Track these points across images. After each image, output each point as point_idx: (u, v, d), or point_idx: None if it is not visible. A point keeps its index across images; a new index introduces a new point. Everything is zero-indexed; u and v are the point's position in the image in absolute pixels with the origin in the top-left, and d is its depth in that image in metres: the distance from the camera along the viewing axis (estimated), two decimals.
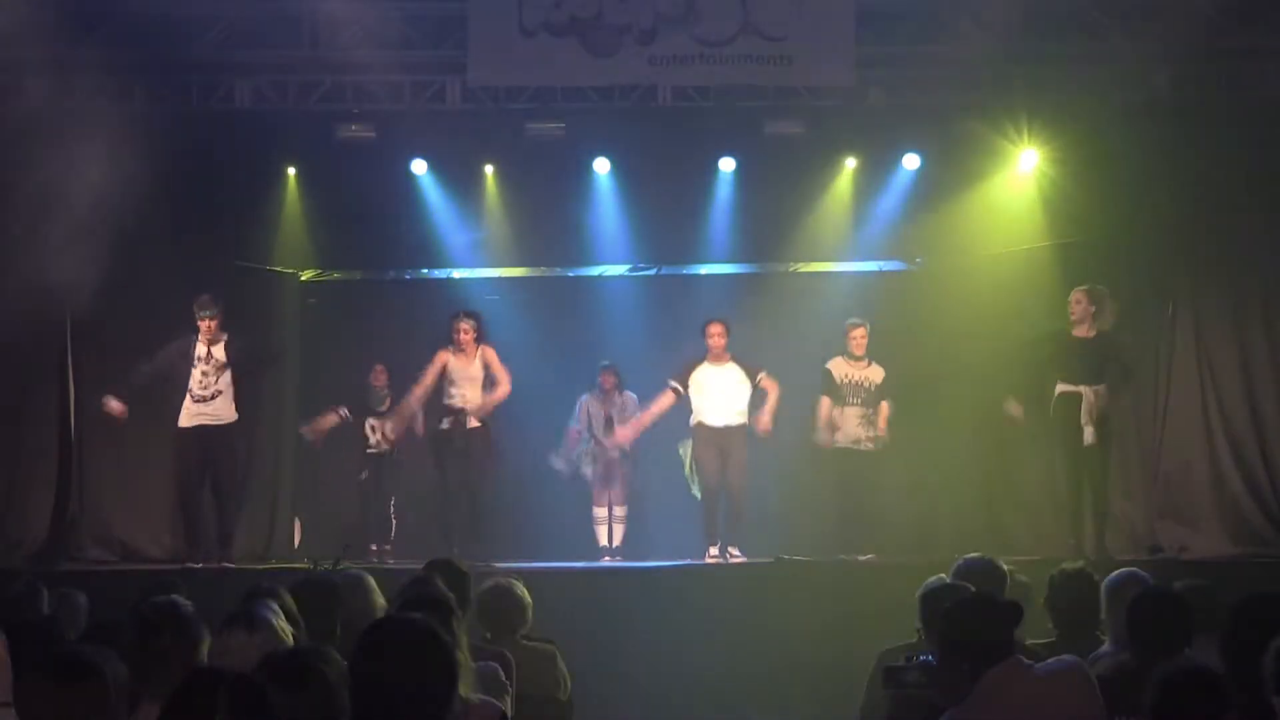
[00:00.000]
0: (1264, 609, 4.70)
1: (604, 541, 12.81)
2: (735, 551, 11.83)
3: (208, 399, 11.63)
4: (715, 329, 12.13)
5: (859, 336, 12.35)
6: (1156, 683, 4.21)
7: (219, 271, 12.60)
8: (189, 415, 11.62)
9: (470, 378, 11.93)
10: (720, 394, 12.07)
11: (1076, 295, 11.65)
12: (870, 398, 12.35)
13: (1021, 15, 11.95)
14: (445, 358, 11.95)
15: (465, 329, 11.94)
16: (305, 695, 3.64)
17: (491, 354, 12.02)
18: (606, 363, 13.04)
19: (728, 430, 12.04)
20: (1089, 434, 11.53)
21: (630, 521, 12.96)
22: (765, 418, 11.97)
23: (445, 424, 11.91)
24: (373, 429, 13.12)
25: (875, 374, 12.42)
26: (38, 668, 3.91)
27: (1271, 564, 10.93)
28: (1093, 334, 11.66)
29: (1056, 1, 11.98)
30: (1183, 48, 11.88)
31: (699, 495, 12.30)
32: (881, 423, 12.34)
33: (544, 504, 13.10)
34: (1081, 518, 11.70)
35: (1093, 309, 11.62)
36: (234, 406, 11.69)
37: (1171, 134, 12.24)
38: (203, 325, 11.63)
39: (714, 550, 11.90)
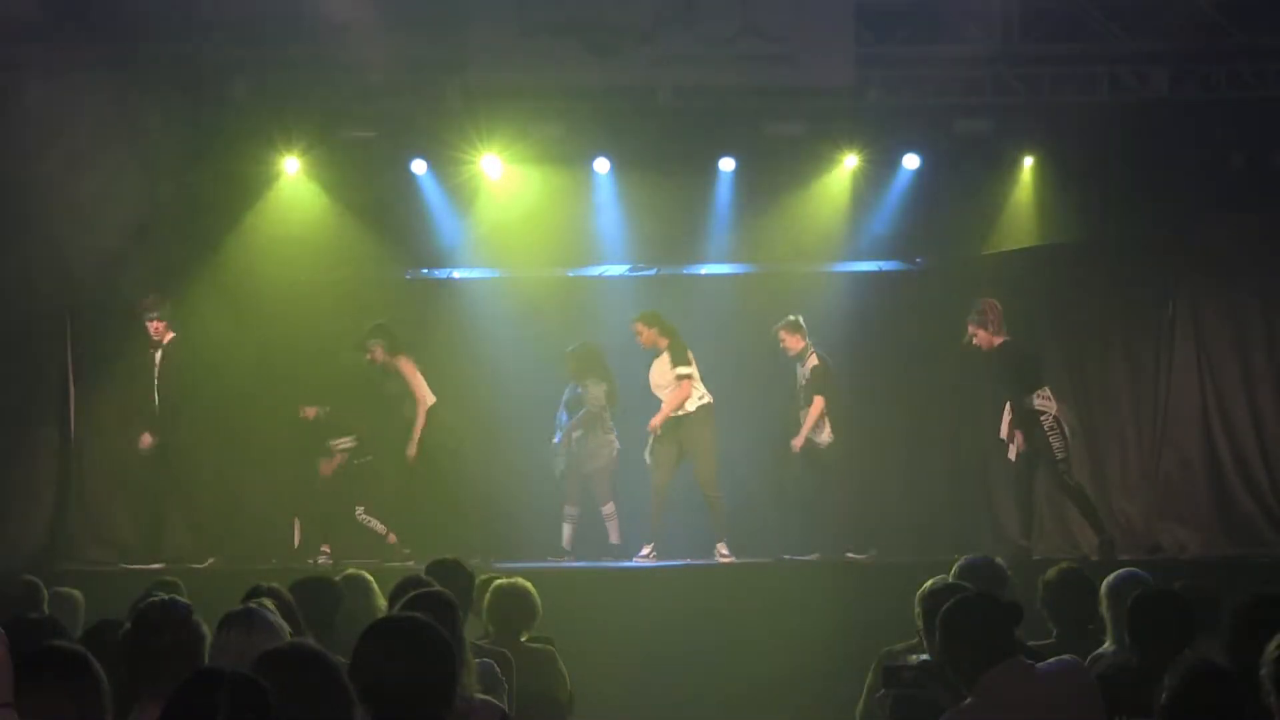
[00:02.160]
0: (1269, 610, 4.69)
1: (566, 543, 12.51)
2: (724, 550, 11.77)
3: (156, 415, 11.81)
4: (634, 327, 12.17)
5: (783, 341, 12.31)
6: (1175, 682, 4.16)
7: (218, 271, 12.62)
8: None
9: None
10: (656, 385, 12.10)
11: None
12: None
13: (1021, 15, 11.96)
14: None
15: (378, 348, 12.10)
16: (301, 686, 3.64)
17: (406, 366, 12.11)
18: (573, 348, 12.81)
19: (680, 420, 11.99)
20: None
21: (627, 523, 12.85)
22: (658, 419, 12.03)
23: None
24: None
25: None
26: (35, 666, 3.91)
27: (1271, 564, 10.93)
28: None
29: (1056, 1, 11.98)
30: (1183, 48, 11.88)
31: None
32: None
33: (540, 503, 13.07)
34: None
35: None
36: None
37: (1171, 134, 12.24)
38: (152, 327, 11.68)
39: (645, 550, 11.88)
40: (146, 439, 11.93)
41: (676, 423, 12.01)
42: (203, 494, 12.28)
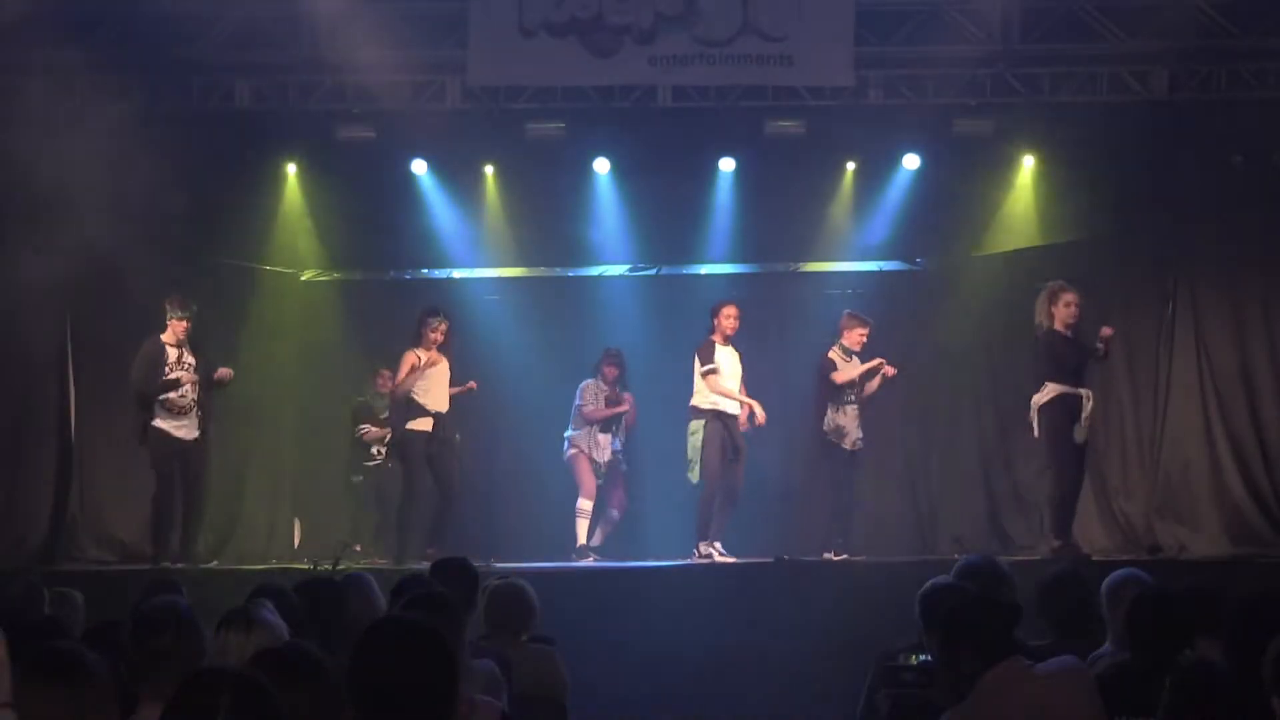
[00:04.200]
0: (1269, 610, 4.68)
1: (583, 539, 12.37)
2: (720, 548, 11.74)
3: (187, 411, 11.44)
4: (734, 310, 11.80)
5: (863, 334, 12.14)
6: (1175, 682, 4.16)
7: (219, 272, 12.61)
8: (170, 426, 11.41)
9: (441, 382, 11.78)
10: (731, 380, 11.83)
11: (1071, 296, 11.13)
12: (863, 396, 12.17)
13: (1020, 15, 11.97)
14: (415, 358, 11.69)
15: (444, 329, 11.78)
16: (291, 686, 3.64)
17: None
18: (612, 349, 12.71)
19: (734, 419, 11.82)
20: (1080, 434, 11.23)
21: (625, 522, 12.86)
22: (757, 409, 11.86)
23: (422, 424, 11.70)
24: (364, 435, 13.05)
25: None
26: (34, 667, 3.91)
27: (1271, 564, 10.93)
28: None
29: (1055, 1, 11.99)
30: (1182, 48, 11.89)
31: (694, 480, 11.83)
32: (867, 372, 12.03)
33: (540, 504, 13.08)
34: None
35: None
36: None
37: (1171, 134, 12.24)
38: (179, 326, 11.49)
39: (703, 548, 11.62)
40: (226, 372, 11.65)
41: (733, 420, 11.80)
42: (205, 494, 12.25)
